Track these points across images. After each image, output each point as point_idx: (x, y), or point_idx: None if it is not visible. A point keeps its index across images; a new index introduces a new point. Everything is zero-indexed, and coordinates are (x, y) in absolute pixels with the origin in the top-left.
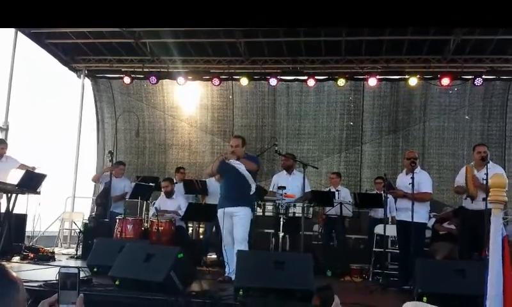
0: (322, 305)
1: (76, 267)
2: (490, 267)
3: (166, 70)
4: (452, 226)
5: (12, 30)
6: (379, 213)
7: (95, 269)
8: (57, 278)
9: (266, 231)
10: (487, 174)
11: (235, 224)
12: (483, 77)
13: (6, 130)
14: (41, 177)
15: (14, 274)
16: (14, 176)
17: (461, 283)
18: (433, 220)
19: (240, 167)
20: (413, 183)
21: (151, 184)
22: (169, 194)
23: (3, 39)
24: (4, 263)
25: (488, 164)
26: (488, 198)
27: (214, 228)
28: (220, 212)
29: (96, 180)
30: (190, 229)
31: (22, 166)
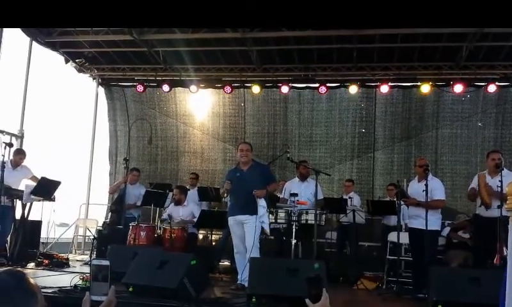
0: (310, 297)
1: (107, 260)
2: (508, 276)
3: (178, 78)
4: (467, 235)
5: (27, 39)
6: (391, 220)
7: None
8: (88, 271)
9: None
10: (501, 181)
11: (246, 231)
12: (496, 83)
13: (21, 137)
14: (56, 184)
15: (33, 282)
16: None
17: (476, 292)
18: (448, 228)
19: (263, 208)
20: (426, 191)
21: (161, 191)
22: (178, 203)
23: (19, 49)
24: (20, 269)
25: (503, 171)
26: (505, 206)
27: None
28: (231, 219)
29: (113, 192)
30: (201, 235)
31: (33, 178)
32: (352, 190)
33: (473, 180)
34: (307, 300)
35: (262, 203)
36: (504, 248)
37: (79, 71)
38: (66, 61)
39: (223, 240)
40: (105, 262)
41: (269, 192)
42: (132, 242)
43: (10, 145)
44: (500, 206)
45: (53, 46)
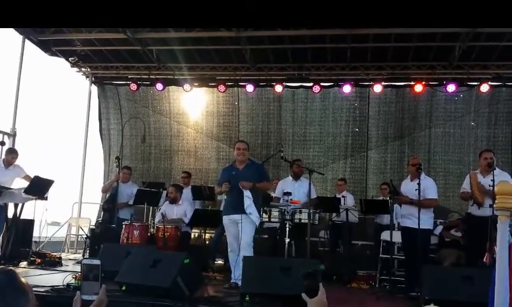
0: (307, 292)
1: (98, 259)
2: (497, 274)
3: (172, 77)
4: (459, 233)
5: (20, 37)
6: (384, 219)
7: (102, 274)
8: (79, 270)
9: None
10: (493, 180)
11: (241, 230)
12: (489, 83)
13: (14, 136)
14: (49, 183)
15: (24, 280)
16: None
17: (469, 290)
18: (440, 227)
19: (248, 198)
20: (419, 190)
21: (154, 190)
22: (173, 201)
23: (11, 46)
24: (12, 268)
25: (495, 171)
26: (494, 205)
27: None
28: (225, 218)
29: (105, 190)
30: (195, 234)
31: (26, 177)
32: (345, 189)
33: (465, 181)
34: (304, 295)
35: (247, 194)
36: (494, 247)
37: (72, 66)
38: (52, 54)
39: (216, 239)
40: (96, 261)
41: (262, 190)
42: (125, 241)
43: (2, 144)
44: (492, 205)
45: (46, 44)
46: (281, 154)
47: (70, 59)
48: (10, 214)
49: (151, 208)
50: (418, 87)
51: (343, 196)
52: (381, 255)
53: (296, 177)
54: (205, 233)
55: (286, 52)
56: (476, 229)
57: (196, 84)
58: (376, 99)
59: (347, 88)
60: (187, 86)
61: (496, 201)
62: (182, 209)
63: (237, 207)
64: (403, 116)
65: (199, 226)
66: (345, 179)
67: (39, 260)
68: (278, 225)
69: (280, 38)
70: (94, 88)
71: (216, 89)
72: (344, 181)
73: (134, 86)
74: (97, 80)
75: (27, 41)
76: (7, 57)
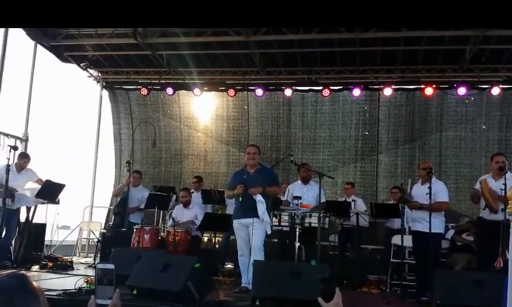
0: (323, 296)
1: (112, 263)
2: (510, 278)
3: (182, 81)
4: (471, 237)
5: (32, 42)
6: (395, 223)
7: None
8: (94, 274)
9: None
10: (505, 184)
11: (251, 234)
12: (500, 86)
13: (26, 141)
14: (60, 187)
15: (35, 284)
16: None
17: (480, 295)
18: (452, 231)
19: (262, 203)
20: (430, 193)
21: (164, 194)
22: (186, 204)
23: (23, 52)
24: (24, 272)
25: (506, 174)
26: (507, 210)
27: (231, 238)
28: (235, 222)
29: (116, 195)
30: (204, 238)
31: (39, 181)
32: (353, 193)
33: (477, 184)
34: (320, 299)
35: (259, 198)
36: (506, 251)
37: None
38: (63, 59)
39: (224, 243)
40: (110, 266)
41: (272, 195)
42: (135, 245)
43: (15, 148)
44: (504, 210)
45: (58, 49)
46: (291, 158)
47: (81, 64)
48: (22, 218)
49: (161, 212)
50: (429, 90)
51: (352, 200)
52: (391, 259)
53: (304, 181)
54: (215, 236)
55: (295, 56)
56: (488, 234)
57: (206, 88)
58: (386, 102)
59: (356, 91)
60: (197, 90)
61: (508, 206)
62: (193, 213)
63: (248, 211)
64: (413, 119)
65: (208, 229)
66: (353, 183)
67: (51, 264)
68: (287, 229)
69: (289, 42)
70: (105, 93)
71: (225, 93)
72: (351, 185)
73: (144, 91)
74: (108, 85)
75: (39, 47)
76: (19, 63)
